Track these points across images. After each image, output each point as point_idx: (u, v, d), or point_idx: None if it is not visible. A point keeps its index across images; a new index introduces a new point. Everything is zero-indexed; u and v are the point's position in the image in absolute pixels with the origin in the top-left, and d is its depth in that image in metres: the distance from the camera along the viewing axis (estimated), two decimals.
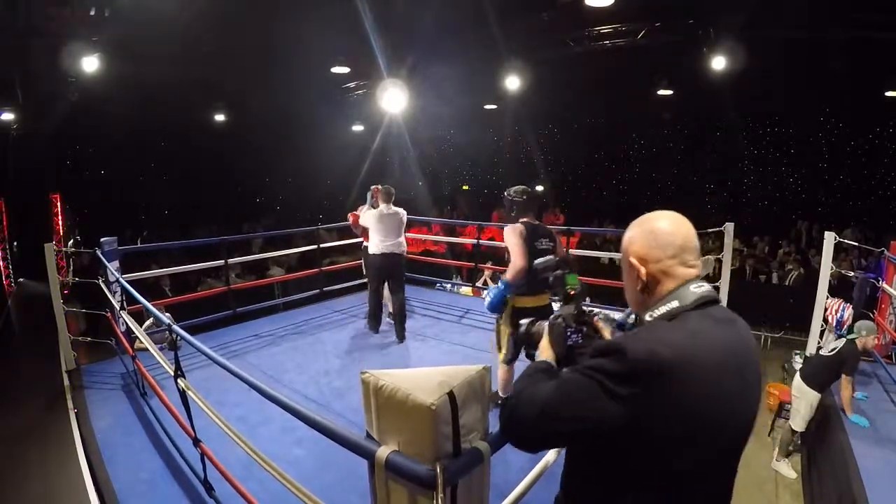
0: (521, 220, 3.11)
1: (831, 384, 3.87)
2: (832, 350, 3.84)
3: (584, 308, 1.22)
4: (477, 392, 1.21)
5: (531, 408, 1.01)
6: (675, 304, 1.02)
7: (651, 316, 1.05)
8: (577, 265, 5.97)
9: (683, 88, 9.24)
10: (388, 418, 1.19)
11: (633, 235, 1.11)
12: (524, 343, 1.30)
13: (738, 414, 0.99)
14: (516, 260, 2.94)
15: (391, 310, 5.03)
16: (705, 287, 1.04)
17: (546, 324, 1.23)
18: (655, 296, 1.06)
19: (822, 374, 3.83)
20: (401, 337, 4.85)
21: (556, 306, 2.94)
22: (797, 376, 4.00)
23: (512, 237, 2.99)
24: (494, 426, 1.23)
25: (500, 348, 3.14)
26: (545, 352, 1.20)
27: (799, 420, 3.92)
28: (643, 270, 1.06)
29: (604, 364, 0.94)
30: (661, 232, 1.07)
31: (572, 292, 1.25)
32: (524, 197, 3.13)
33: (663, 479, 0.96)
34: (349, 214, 5.17)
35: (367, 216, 4.82)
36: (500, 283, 3.03)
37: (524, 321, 1.32)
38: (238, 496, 2.26)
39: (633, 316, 1.18)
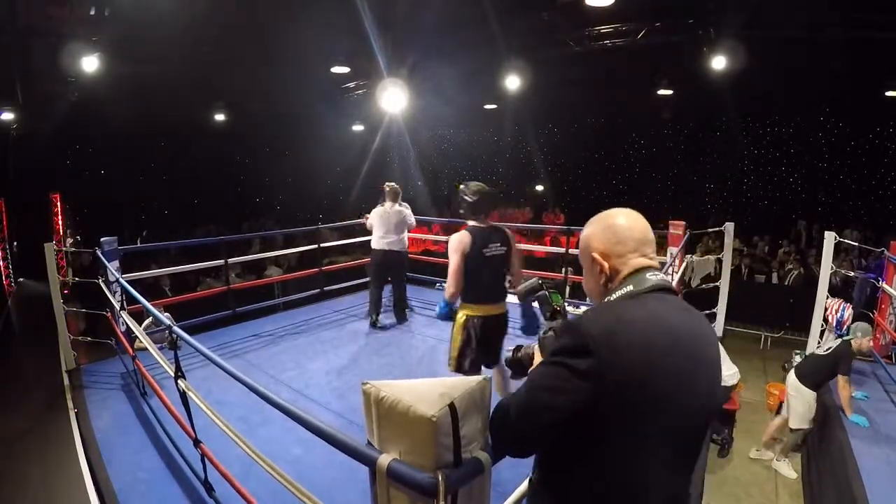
0: (471, 220, 2.91)
1: (826, 383, 3.91)
2: (827, 349, 3.87)
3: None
4: (477, 403, 1.23)
5: (515, 409, 1.06)
6: (629, 287, 1.07)
7: (608, 300, 1.09)
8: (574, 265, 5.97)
9: (683, 88, 9.24)
10: (389, 429, 1.21)
11: (592, 233, 1.15)
12: (513, 368, 1.36)
13: (689, 393, 1.01)
14: (450, 281, 2.78)
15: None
16: (660, 276, 1.09)
17: (535, 344, 1.30)
18: (614, 284, 1.11)
19: (816, 372, 3.86)
20: (400, 319, 5.24)
21: (514, 311, 2.90)
22: (792, 375, 4.03)
23: (452, 254, 2.78)
24: None
25: (449, 361, 2.96)
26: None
27: (797, 418, 3.93)
28: (606, 265, 1.11)
29: (562, 343, 1.00)
30: (619, 228, 1.12)
31: (557, 308, 1.34)
32: (476, 197, 2.87)
33: (619, 450, 0.99)
34: (363, 216, 5.43)
35: (372, 213, 5.08)
36: (440, 301, 2.91)
37: (510, 348, 1.37)
38: (238, 497, 2.26)
39: None
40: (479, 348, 2.87)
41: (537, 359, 1.26)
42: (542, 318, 1.38)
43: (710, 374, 1.06)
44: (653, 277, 1.07)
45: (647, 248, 1.12)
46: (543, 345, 1.25)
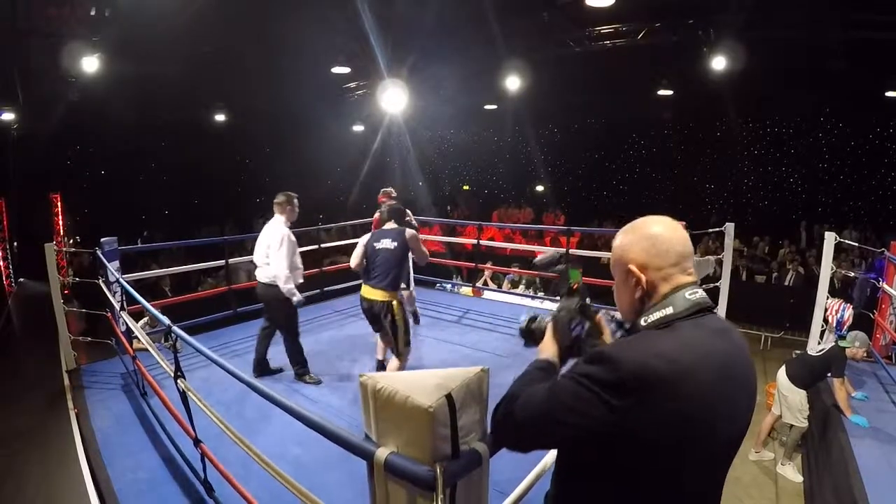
0: (387, 224, 3.68)
1: (816, 383, 3.94)
2: (819, 351, 3.89)
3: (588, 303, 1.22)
4: (475, 394, 1.22)
5: (524, 411, 1.02)
6: (668, 310, 1.00)
7: (645, 321, 1.03)
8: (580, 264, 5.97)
9: (683, 88, 9.25)
10: (387, 420, 1.20)
11: (629, 243, 1.07)
12: (525, 337, 1.29)
13: (728, 421, 0.99)
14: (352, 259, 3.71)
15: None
16: (700, 294, 1.02)
17: (549, 319, 1.23)
18: (650, 301, 1.04)
19: (806, 374, 3.89)
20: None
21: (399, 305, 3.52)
22: (782, 374, 4.04)
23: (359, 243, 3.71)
24: None
25: None
26: (547, 347, 1.21)
27: (789, 415, 3.95)
28: (644, 279, 1.03)
29: (596, 372, 0.94)
30: (660, 239, 1.04)
31: (575, 286, 1.24)
32: (389, 206, 3.77)
33: (650, 478, 0.97)
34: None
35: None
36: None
37: (524, 316, 1.30)
38: (238, 496, 2.26)
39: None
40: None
41: (548, 336, 1.22)
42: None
43: (748, 399, 1.04)
44: (692, 297, 1.01)
45: (687, 262, 1.04)
46: (557, 323, 1.20)
